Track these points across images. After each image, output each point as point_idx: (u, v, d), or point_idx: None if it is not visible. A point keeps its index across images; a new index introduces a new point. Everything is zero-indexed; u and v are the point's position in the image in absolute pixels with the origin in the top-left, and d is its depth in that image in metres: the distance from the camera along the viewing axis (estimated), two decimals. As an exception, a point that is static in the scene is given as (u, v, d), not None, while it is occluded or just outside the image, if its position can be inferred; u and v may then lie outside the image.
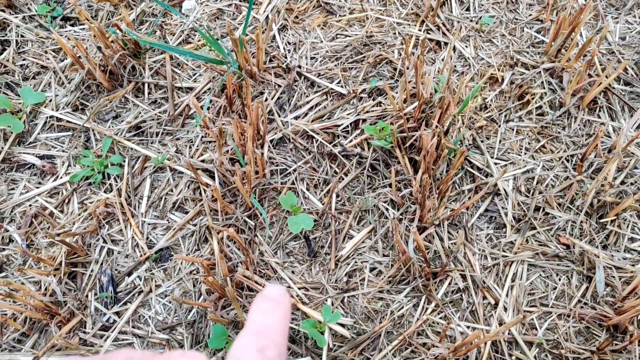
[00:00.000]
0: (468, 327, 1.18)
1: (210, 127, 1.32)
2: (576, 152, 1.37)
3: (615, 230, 1.27)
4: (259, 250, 1.26)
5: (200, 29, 1.39)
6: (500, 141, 1.40)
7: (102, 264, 1.24)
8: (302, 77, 1.49)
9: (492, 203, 1.33)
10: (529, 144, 1.40)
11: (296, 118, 1.44)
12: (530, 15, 1.61)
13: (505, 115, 1.44)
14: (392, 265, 1.25)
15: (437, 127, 1.30)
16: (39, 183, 1.35)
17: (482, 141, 1.40)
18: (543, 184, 1.34)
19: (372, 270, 1.25)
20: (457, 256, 1.25)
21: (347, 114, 1.44)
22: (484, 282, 1.22)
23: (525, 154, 1.38)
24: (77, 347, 1.12)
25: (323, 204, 1.31)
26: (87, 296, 1.20)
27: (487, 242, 1.28)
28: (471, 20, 1.60)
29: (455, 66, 1.52)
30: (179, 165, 1.35)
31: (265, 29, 1.54)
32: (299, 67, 1.50)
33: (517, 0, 1.65)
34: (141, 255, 1.25)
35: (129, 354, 0.32)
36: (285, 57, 1.52)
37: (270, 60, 1.51)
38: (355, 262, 1.26)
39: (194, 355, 0.33)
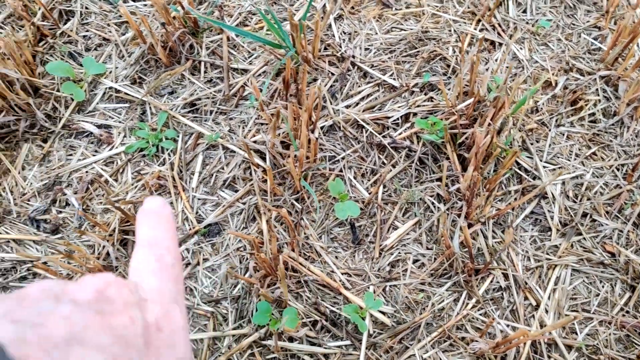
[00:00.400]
0: (508, 325, 1.19)
1: (264, 109, 1.34)
2: (627, 161, 1.37)
3: (662, 242, 1.27)
4: (304, 233, 1.29)
5: (262, 14, 1.41)
6: (550, 145, 1.41)
7: (152, 234, 1.28)
8: (356, 67, 1.51)
9: (539, 206, 1.33)
10: (579, 149, 1.40)
11: (347, 107, 1.46)
12: (587, 21, 1.61)
13: (557, 120, 1.44)
14: (435, 259, 1.26)
15: (489, 125, 1.31)
16: (96, 151, 1.38)
17: (531, 143, 1.40)
18: (592, 190, 1.34)
19: (415, 261, 1.27)
20: (500, 255, 1.26)
21: (398, 107, 1.45)
22: (526, 283, 1.23)
23: (575, 159, 1.39)
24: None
25: (370, 193, 1.33)
26: (137, 264, 1.24)
27: (531, 244, 1.29)
28: (527, 23, 1.60)
29: (509, 67, 1.52)
30: (232, 144, 1.38)
31: (323, 17, 1.56)
32: (353, 57, 1.51)
33: (574, 5, 1.64)
34: (190, 229, 1.28)
35: (42, 284, 0.33)
36: (340, 47, 1.54)
37: (325, 48, 1.53)
38: (399, 252, 1.27)
39: (103, 275, 0.34)
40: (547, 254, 1.27)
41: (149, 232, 0.40)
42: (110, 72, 1.48)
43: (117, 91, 1.45)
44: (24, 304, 0.30)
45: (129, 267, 0.38)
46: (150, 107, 1.43)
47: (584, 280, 1.24)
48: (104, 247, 1.22)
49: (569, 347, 1.17)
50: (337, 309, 1.20)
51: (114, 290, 0.33)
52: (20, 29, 1.52)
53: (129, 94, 1.45)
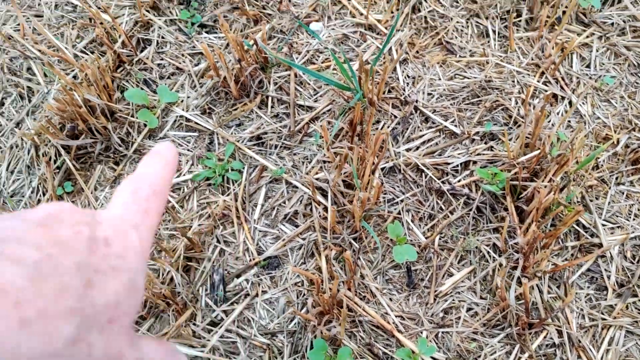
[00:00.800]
0: (560, 383, 1.19)
1: (329, 149, 1.39)
2: (688, 226, 1.37)
3: None
4: (360, 273, 1.32)
5: (334, 55, 1.47)
6: (609, 203, 1.41)
7: (214, 262, 1.32)
8: (418, 112, 1.54)
9: (595, 264, 1.34)
10: (638, 209, 1.40)
11: (408, 150, 1.49)
12: (652, 80, 1.61)
13: (617, 178, 1.45)
14: (488, 309, 1.28)
15: (551, 181, 1.32)
16: (164, 177, 1.44)
17: (590, 200, 1.41)
18: (650, 253, 1.34)
19: (468, 310, 1.28)
20: (554, 310, 1.26)
21: (458, 154, 1.48)
22: (580, 341, 1.23)
23: (635, 219, 1.39)
24: (188, 338, 1.20)
25: (426, 238, 1.36)
26: (198, 290, 1.28)
27: (586, 302, 1.29)
28: (590, 78, 1.61)
29: (569, 121, 1.54)
30: (294, 180, 1.42)
31: (390, 60, 1.60)
32: (416, 101, 1.55)
33: (639, 64, 1.65)
34: (250, 260, 1.32)
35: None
36: (404, 90, 1.57)
37: (389, 91, 1.57)
38: (453, 299, 1.29)
39: (59, 203, 0.35)
40: (602, 313, 1.27)
41: (141, 169, 0.41)
42: (182, 101, 1.54)
43: (188, 120, 1.51)
44: None
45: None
46: (218, 138, 1.49)
47: (637, 343, 1.24)
48: (168, 272, 1.27)
49: (623, 412, 1.16)
50: (390, 351, 1.22)
51: (66, 214, 0.35)
52: (101, 55, 1.60)
53: (198, 124, 1.51)
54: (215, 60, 1.54)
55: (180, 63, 1.61)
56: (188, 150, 1.48)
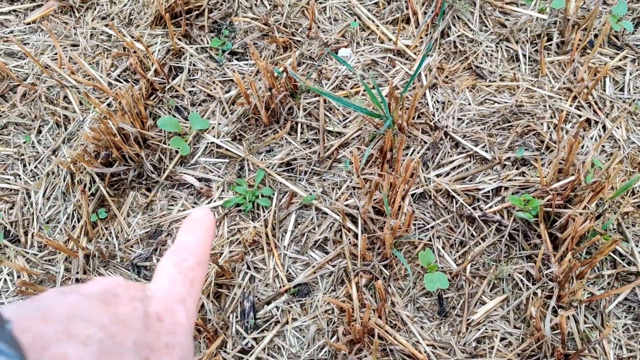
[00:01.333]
0: (598, 417, 1.16)
1: (360, 176, 1.39)
2: None
3: None
4: (390, 300, 1.31)
5: (364, 82, 1.47)
6: (646, 230, 1.38)
7: (244, 289, 1.33)
8: (448, 137, 1.54)
9: (632, 293, 1.30)
10: (677, 237, 1.37)
11: (438, 176, 1.48)
12: (688, 104, 1.58)
13: (654, 204, 1.42)
14: (523, 339, 1.25)
15: (585, 208, 1.30)
16: (195, 203, 1.46)
17: (627, 227, 1.38)
18: (691, 282, 1.30)
19: (502, 340, 1.26)
20: (590, 340, 1.23)
21: (489, 179, 1.46)
22: (619, 374, 1.20)
23: (673, 247, 1.35)
24: (219, 365, 1.20)
25: (458, 265, 1.34)
26: (229, 317, 1.29)
27: (623, 332, 1.26)
28: (624, 102, 1.59)
29: (603, 146, 1.51)
30: (324, 206, 1.42)
31: (420, 86, 1.60)
32: (446, 126, 1.54)
33: (674, 86, 1.62)
34: (281, 287, 1.32)
35: (53, 290, 0.34)
36: (434, 115, 1.57)
37: (419, 117, 1.57)
38: (486, 329, 1.27)
39: (113, 278, 0.36)
40: (642, 345, 1.24)
41: (182, 238, 0.42)
42: (213, 128, 1.56)
43: (219, 146, 1.53)
44: (36, 299, 0.33)
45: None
46: (248, 164, 1.50)
47: (681, 378, 1.20)
48: (200, 299, 1.28)
49: None
50: (422, 382, 1.20)
51: (122, 288, 0.36)
52: (135, 83, 1.64)
53: (229, 150, 1.52)
54: (246, 87, 1.56)
55: (211, 90, 1.64)
56: (219, 176, 1.50)
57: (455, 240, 1.39)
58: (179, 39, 1.72)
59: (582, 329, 1.25)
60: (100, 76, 1.63)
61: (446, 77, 1.67)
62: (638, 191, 1.43)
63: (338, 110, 1.60)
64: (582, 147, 1.49)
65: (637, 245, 1.35)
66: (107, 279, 0.37)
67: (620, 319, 1.27)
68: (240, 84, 1.46)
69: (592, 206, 1.34)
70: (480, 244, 1.37)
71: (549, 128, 1.53)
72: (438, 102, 1.61)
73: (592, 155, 1.42)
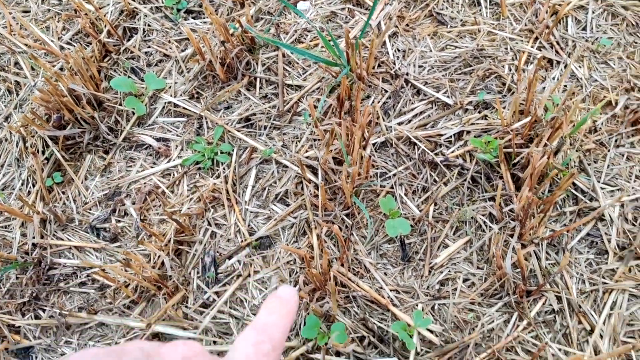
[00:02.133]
0: (560, 349, 1.16)
1: (318, 126, 1.36)
2: (691, 184, 1.32)
3: None
4: (353, 248, 1.30)
5: (319, 32, 1.44)
6: (608, 166, 1.37)
7: (205, 244, 1.31)
8: (409, 85, 1.51)
9: (595, 228, 1.30)
10: (639, 171, 1.36)
11: (400, 124, 1.46)
12: (650, 39, 1.56)
13: (616, 140, 1.40)
14: (485, 279, 1.25)
15: (546, 146, 1.29)
16: (154, 163, 1.44)
17: (589, 164, 1.37)
18: (652, 214, 1.29)
19: (464, 281, 1.26)
20: (554, 278, 1.23)
21: (452, 124, 1.44)
22: (580, 307, 1.20)
23: (635, 181, 1.34)
24: (180, 320, 1.19)
25: (421, 211, 1.33)
26: (190, 273, 1.27)
27: (586, 267, 1.25)
28: (587, 40, 1.57)
29: (565, 86, 1.49)
30: (285, 159, 1.40)
31: (378, 35, 1.57)
32: (407, 74, 1.52)
33: (637, 23, 1.60)
34: (242, 241, 1.31)
35: (140, 344, 0.37)
36: (394, 64, 1.54)
37: (379, 65, 1.54)
38: (449, 271, 1.26)
39: (192, 344, 0.38)
40: (603, 277, 1.24)
41: (264, 316, 0.44)
42: (170, 87, 1.53)
43: (176, 106, 1.50)
44: (122, 356, 0.35)
45: (234, 340, 0.42)
46: (206, 122, 1.48)
47: (642, 307, 1.20)
48: (159, 256, 1.26)
49: (626, 376, 1.13)
50: (385, 325, 1.20)
51: (200, 358, 0.38)
52: (87, 46, 1.60)
53: (187, 109, 1.49)
54: (201, 45, 1.53)
55: (167, 50, 1.60)
56: (177, 135, 1.47)
57: (417, 186, 1.37)
58: (133, 0, 1.68)
59: (544, 265, 1.24)
60: (51, 40, 1.58)
61: (407, 25, 1.63)
62: (600, 128, 1.42)
63: (297, 64, 1.57)
64: (544, 89, 1.47)
65: (598, 181, 1.34)
66: (187, 346, 0.38)
67: (583, 254, 1.27)
68: (192, 39, 1.42)
69: (553, 144, 1.32)
70: (442, 188, 1.36)
71: (510, 70, 1.51)
72: (399, 50, 1.58)
73: (551, 93, 1.40)
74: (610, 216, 1.30)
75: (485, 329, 1.19)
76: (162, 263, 1.26)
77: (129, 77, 1.54)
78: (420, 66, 1.54)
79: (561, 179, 1.27)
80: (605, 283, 1.22)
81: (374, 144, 1.43)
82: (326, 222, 1.30)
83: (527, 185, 1.23)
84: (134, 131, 1.47)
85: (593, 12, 1.61)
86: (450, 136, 1.42)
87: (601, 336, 1.17)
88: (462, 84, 1.50)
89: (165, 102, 1.51)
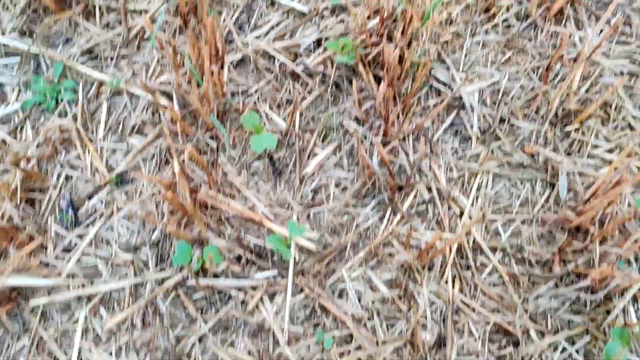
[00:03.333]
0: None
1: (164, 48, 1.27)
2: (542, 63, 1.36)
3: (579, 138, 1.27)
4: (222, 170, 1.24)
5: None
6: (465, 55, 1.38)
7: (60, 189, 1.21)
8: (262, -4, 1.44)
9: (458, 117, 1.31)
10: (495, 57, 1.38)
11: (257, 38, 1.39)
12: None
13: (472, 30, 1.42)
14: (357, 180, 1.24)
15: (400, 40, 1.27)
16: (-10, 111, 1.29)
17: (447, 55, 1.38)
18: (509, 95, 1.33)
19: (337, 185, 1.24)
20: (421, 168, 1.24)
21: (310, 32, 1.40)
22: (450, 193, 1.22)
23: (491, 67, 1.37)
24: (39, 269, 1.10)
25: (287, 123, 1.29)
26: (46, 221, 1.17)
27: (452, 155, 1.28)
28: None
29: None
30: (136, 89, 1.30)
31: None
32: (258, -15, 1.44)
33: None
34: (101, 180, 1.22)
35: None
36: (244, -24, 1.46)
37: (228, -21, 1.45)
38: (320, 179, 1.24)
39: None
40: (469, 162, 1.26)
41: None
42: (-3, 26, 1.37)
43: (5, 45, 1.35)
44: None
45: None
46: (44, 59, 1.34)
47: (505, 184, 1.24)
48: (5, 208, 1.15)
49: (494, 250, 1.17)
50: (262, 242, 1.17)
51: None
52: None
53: (18, 47, 1.34)
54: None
55: (-13, -15, 1.42)
56: (12, 77, 1.32)
57: (282, 99, 1.33)
58: None
59: (412, 159, 1.25)
60: None
61: None
62: (455, 19, 1.42)
63: (140, -14, 1.45)
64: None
65: (457, 71, 1.35)
66: None
67: (448, 143, 1.29)
68: (8, -35, 1.27)
69: (409, 38, 1.31)
70: (306, 97, 1.32)
71: (362, -30, 1.47)
72: (247, -39, 1.49)
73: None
74: (470, 104, 1.31)
75: (361, 229, 1.19)
76: (10, 217, 1.14)
77: (-54, 19, 1.36)
78: (271, -24, 1.47)
79: (418, 72, 1.26)
80: (471, 167, 1.25)
81: (231, 62, 1.36)
82: (192, 147, 1.23)
83: (385, 81, 1.22)
84: (-40, 79, 1.31)
85: None
86: (310, 45, 1.38)
87: (470, 217, 1.20)
88: (316, -10, 1.45)
89: (-6, 43, 1.35)
